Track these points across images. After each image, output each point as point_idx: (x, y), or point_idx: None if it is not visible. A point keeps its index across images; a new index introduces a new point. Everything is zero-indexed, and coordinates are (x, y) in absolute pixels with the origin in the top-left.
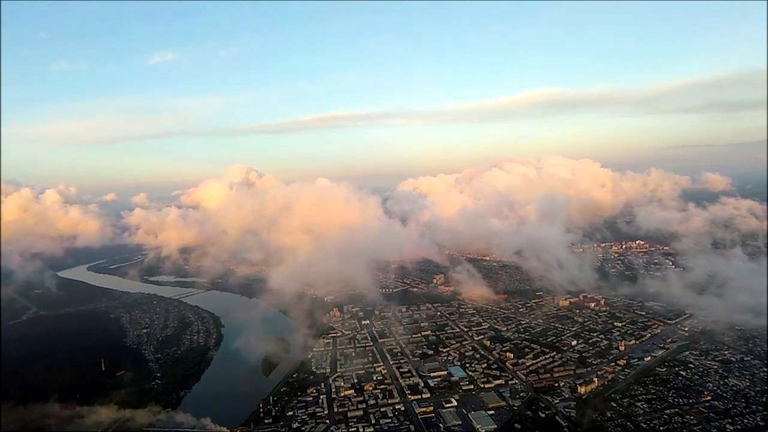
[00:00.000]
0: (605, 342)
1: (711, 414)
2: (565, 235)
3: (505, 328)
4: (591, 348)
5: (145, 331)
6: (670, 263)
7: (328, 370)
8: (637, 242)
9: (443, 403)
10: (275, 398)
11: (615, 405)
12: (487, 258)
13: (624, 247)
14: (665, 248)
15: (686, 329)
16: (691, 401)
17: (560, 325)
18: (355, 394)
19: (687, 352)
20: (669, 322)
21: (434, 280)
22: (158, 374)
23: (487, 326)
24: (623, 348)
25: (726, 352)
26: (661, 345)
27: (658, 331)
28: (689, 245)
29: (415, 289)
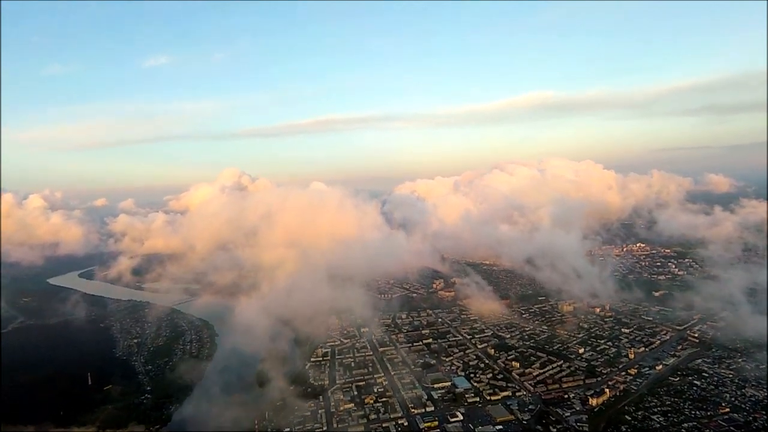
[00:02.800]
0: (614, 349)
1: (731, 428)
2: (582, 242)
3: (508, 335)
4: (599, 356)
5: (135, 341)
6: (673, 266)
7: (327, 382)
8: (638, 245)
9: (448, 417)
10: (271, 413)
11: (629, 418)
12: (487, 262)
13: (624, 250)
14: (667, 251)
15: (696, 335)
16: (709, 414)
17: (566, 332)
18: (355, 408)
19: (699, 360)
20: (678, 327)
21: (434, 285)
22: (148, 388)
23: (490, 333)
24: (633, 356)
25: (740, 360)
26: (672, 352)
27: (668, 337)
28: (718, 252)
29: (414, 295)
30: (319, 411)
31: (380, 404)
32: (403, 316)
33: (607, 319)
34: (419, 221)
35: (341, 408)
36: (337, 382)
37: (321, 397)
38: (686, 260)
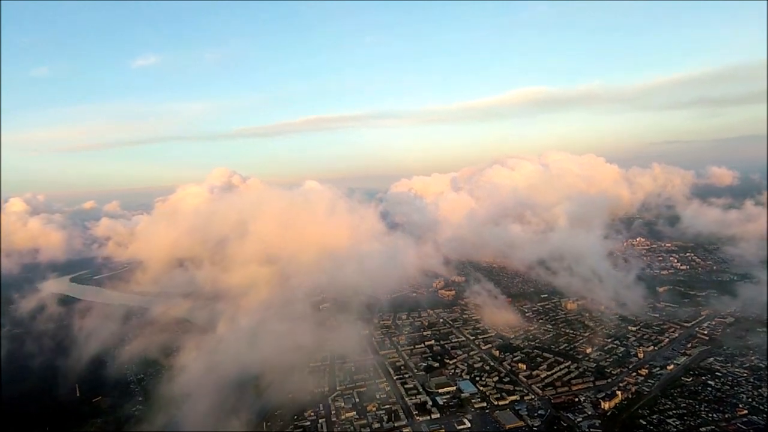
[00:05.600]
0: (622, 349)
1: (751, 431)
2: (604, 241)
3: (512, 336)
4: (608, 356)
5: (127, 348)
6: (675, 260)
7: (327, 388)
8: (638, 239)
9: (455, 424)
10: (269, 423)
11: (644, 422)
12: (487, 260)
13: (625, 245)
14: (668, 245)
15: (705, 332)
16: (726, 416)
17: (571, 331)
18: (357, 416)
19: (711, 359)
20: (686, 324)
21: (434, 284)
22: (140, 398)
23: (493, 333)
24: (642, 355)
25: (753, 358)
26: (682, 351)
27: (676, 335)
28: (750, 250)
29: (414, 294)
30: (320, 420)
31: (383, 412)
32: (404, 316)
33: (613, 317)
34: (418, 220)
35: (342, 416)
36: (338, 388)
37: (321, 405)
38: (687, 254)
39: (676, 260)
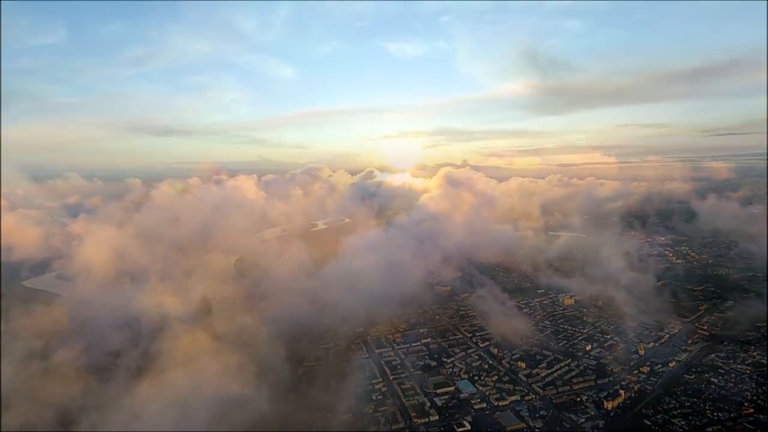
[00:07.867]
0: (622, 345)
1: (759, 431)
2: (609, 238)
3: (511, 332)
4: (608, 353)
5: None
6: (670, 254)
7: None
8: (633, 234)
9: (455, 426)
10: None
11: (649, 423)
12: (485, 256)
13: (622, 240)
14: (662, 239)
15: (705, 328)
16: (732, 415)
17: (569, 327)
18: (353, 419)
19: (713, 355)
20: (685, 319)
21: (430, 280)
22: None
23: (491, 330)
24: (643, 352)
25: (755, 354)
26: (683, 347)
27: (676, 330)
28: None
29: (409, 289)
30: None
31: (380, 414)
32: (399, 313)
33: (611, 312)
34: (414, 215)
35: (338, 419)
36: (333, 389)
37: None
38: (682, 248)
39: (671, 254)
